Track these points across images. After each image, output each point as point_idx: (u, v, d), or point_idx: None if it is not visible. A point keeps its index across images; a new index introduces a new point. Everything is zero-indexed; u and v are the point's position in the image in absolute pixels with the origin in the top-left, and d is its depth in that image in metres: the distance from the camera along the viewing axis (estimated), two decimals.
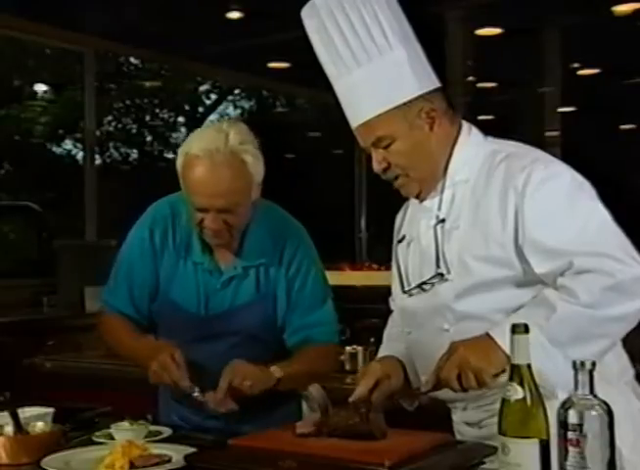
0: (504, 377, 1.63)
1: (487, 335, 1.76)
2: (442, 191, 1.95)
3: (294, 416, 2.33)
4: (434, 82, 1.95)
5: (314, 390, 2.44)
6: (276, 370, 2.14)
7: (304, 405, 2.37)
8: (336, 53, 1.92)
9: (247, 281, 2.26)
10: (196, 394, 2.09)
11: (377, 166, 1.96)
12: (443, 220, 1.93)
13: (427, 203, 1.99)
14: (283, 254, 2.27)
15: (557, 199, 1.82)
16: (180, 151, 2.15)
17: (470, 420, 1.97)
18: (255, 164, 2.15)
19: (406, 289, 2.00)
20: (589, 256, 1.75)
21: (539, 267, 1.81)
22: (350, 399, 1.92)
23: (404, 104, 1.90)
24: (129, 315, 2.34)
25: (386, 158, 1.94)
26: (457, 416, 2.02)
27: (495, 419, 1.53)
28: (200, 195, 2.11)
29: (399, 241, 2.08)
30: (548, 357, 1.68)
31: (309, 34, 1.98)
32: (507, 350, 1.54)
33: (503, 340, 1.67)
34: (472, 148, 1.96)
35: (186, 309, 2.27)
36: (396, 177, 1.97)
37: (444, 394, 1.91)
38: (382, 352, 2.14)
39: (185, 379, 2.08)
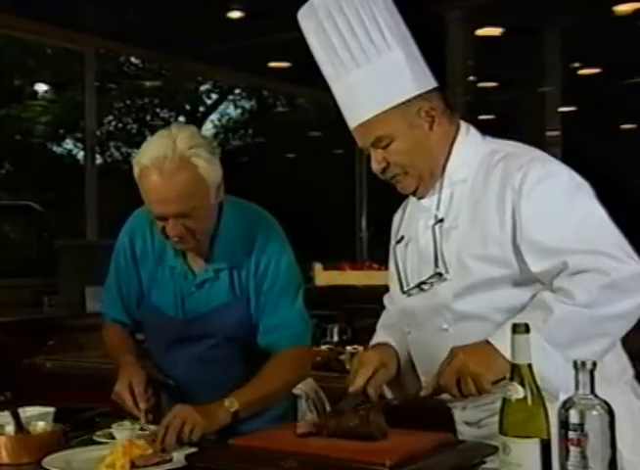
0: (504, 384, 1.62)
1: (487, 341, 1.76)
2: (441, 190, 1.95)
3: (289, 415, 2.33)
4: (431, 82, 1.95)
5: (309, 389, 2.44)
6: (232, 403, 2.07)
7: (300, 405, 2.38)
8: (334, 54, 1.92)
9: (219, 283, 2.26)
10: (142, 424, 2.09)
11: (376, 166, 1.96)
12: (442, 220, 1.93)
13: (425, 202, 1.99)
14: (252, 254, 2.25)
15: (553, 197, 1.82)
16: (134, 161, 2.15)
17: (469, 420, 1.97)
18: (208, 168, 2.12)
19: (405, 289, 2.00)
20: (585, 254, 1.75)
21: (535, 266, 1.81)
22: (350, 391, 1.93)
23: (403, 103, 1.90)
24: (124, 322, 2.43)
25: (385, 157, 1.94)
26: (457, 416, 2.02)
27: (494, 418, 1.53)
28: (154, 203, 2.11)
29: (398, 241, 2.08)
30: (549, 360, 1.68)
31: (306, 35, 1.98)
32: (507, 356, 1.54)
33: (503, 346, 1.66)
34: (470, 147, 1.96)
35: (165, 313, 2.31)
36: (395, 176, 1.97)
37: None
38: (376, 339, 2.13)
39: (134, 409, 2.11)
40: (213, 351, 2.25)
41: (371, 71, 1.89)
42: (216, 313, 2.26)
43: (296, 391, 2.38)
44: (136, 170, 2.13)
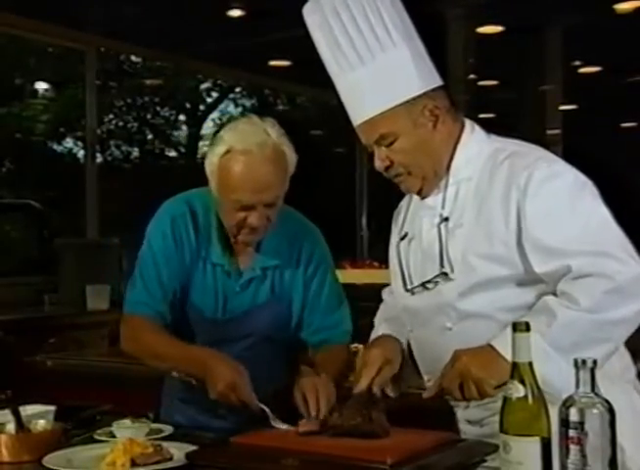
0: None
1: (490, 345, 1.75)
2: (446, 189, 1.95)
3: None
4: (436, 80, 1.95)
5: None
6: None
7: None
8: (339, 50, 1.91)
9: (264, 283, 2.23)
10: (270, 417, 1.98)
11: (379, 164, 1.95)
12: (447, 219, 1.93)
13: (429, 200, 1.98)
14: (300, 255, 2.25)
15: (559, 198, 1.82)
16: (216, 150, 2.08)
17: (472, 418, 1.97)
18: (292, 157, 2.15)
19: (409, 287, 2.00)
20: (589, 256, 1.75)
21: (539, 266, 1.80)
22: (355, 391, 1.93)
23: (407, 101, 1.89)
24: (163, 316, 2.21)
25: (388, 156, 1.93)
26: (459, 414, 2.02)
27: (496, 418, 1.53)
28: (247, 191, 2.06)
29: (402, 238, 2.08)
30: (551, 364, 1.67)
31: (311, 32, 1.97)
32: (510, 359, 1.53)
33: (506, 350, 1.64)
34: (475, 146, 1.95)
35: (202, 312, 2.23)
36: (398, 174, 1.96)
37: None
38: (377, 332, 2.13)
39: (255, 400, 2.00)
40: (250, 351, 2.20)
41: (376, 69, 1.89)
42: (255, 313, 2.23)
43: None
44: (221, 158, 2.07)
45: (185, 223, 2.22)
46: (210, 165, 2.11)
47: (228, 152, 2.07)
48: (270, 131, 2.10)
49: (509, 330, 1.52)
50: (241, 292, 2.23)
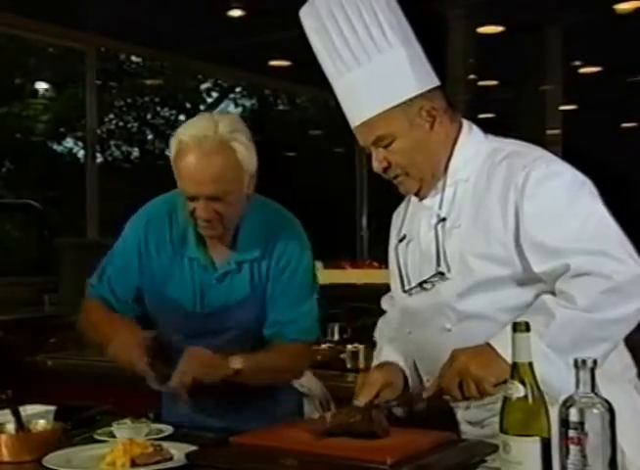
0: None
1: (488, 344, 1.75)
2: (443, 189, 1.95)
3: (296, 414, 2.34)
4: (433, 81, 1.95)
5: (316, 388, 2.45)
6: (236, 361, 2.11)
7: (306, 403, 2.38)
8: (335, 52, 1.91)
9: (240, 276, 2.26)
10: (150, 381, 2.08)
11: (377, 166, 1.95)
12: (444, 219, 1.93)
13: (427, 201, 1.98)
14: (274, 248, 2.26)
15: (557, 197, 1.81)
16: (172, 140, 2.16)
17: (472, 419, 1.97)
18: (246, 154, 2.15)
19: (407, 288, 2.00)
20: (587, 255, 1.74)
21: (538, 266, 1.80)
22: (361, 401, 1.92)
23: (404, 102, 1.89)
24: (111, 303, 2.35)
25: (386, 157, 1.93)
26: (460, 415, 2.01)
27: (497, 418, 1.53)
28: (189, 182, 2.12)
29: (400, 240, 2.08)
30: (550, 364, 1.67)
31: (308, 34, 1.97)
32: (508, 358, 1.54)
33: (505, 349, 1.65)
34: (472, 146, 1.95)
35: (183, 306, 2.28)
36: (396, 176, 1.97)
37: None
38: (382, 356, 2.12)
39: (142, 361, 2.08)
40: (230, 344, 2.22)
41: (372, 70, 1.89)
42: (235, 308, 2.25)
43: (302, 389, 2.39)
44: (174, 148, 2.14)
45: (161, 224, 2.31)
46: (171, 155, 2.18)
47: (178, 143, 2.14)
48: (220, 126, 2.12)
49: (507, 329, 1.52)
50: (217, 285, 2.26)
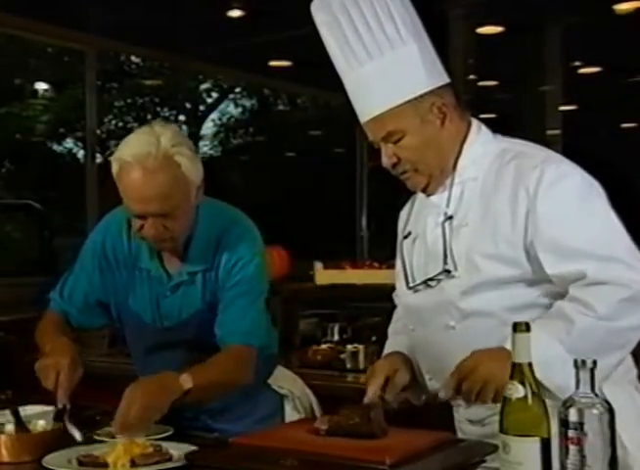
0: None
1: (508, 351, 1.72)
2: (451, 188, 1.95)
3: (276, 416, 2.32)
4: (444, 78, 1.95)
5: (296, 389, 2.45)
6: (186, 380, 2.00)
7: (286, 405, 2.38)
8: (347, 46, 1.91)
9: (193, 287, 2.23)
10: (66, 416, 2.04)
11: (386, 161, 1.95)
12: (451, 217, 1.93)
13: (434, 199, 1.98)
14: (223, 253, 2.21)
15: (569, 199, 1.82)
16: (113, 157, 2.10)
17: (473, 418, 1.97)
18: (191, 167, 2.09)
19: (411, 285, 1.99)
20: (602, 261, 1.75)
21: (551, 268, 1.80)
22: (365, 401, 1.93)
23: (415, 98, 1.89)
24: (71, 314, 2.36)
25: (396, 153, 1.93)
26: (459, 414, 2.02)
27: (497, 417, 1.53)
28: (134, 201, 2.07)
29: (405, 237, 2.07)
30: (570, 371, 1.64)
31: (319, 27, 1.96)
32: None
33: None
34: (481, 146, 1.95)
35: (142, 319, 2.28)
36: (404, 171, 1.96)
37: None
38: (387, 348, 2.14)
39: (64, 392, 2.05)
40: (190, 356, 2.19)
41: (384, 65, 1.89)
42: (192, 321, 2.23)
43: (282, 391, 2.37)
44: (115, 167, 2.08)
45: (119, 236, 2.29)
46: (113, 173, 2.12)
47: (119, 160, 2.08)
48: (163, 140, 2.05)
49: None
50: (170, 295, 2.24)
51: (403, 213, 2.16)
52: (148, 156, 2.02)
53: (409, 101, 1.89)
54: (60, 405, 2.04)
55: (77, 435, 2.00)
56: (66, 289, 2.39)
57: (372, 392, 1.94)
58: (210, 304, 2.22)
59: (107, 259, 2.30)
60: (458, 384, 1.77)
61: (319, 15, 1.96)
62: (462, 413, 2.01)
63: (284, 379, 2.41)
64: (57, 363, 2.07)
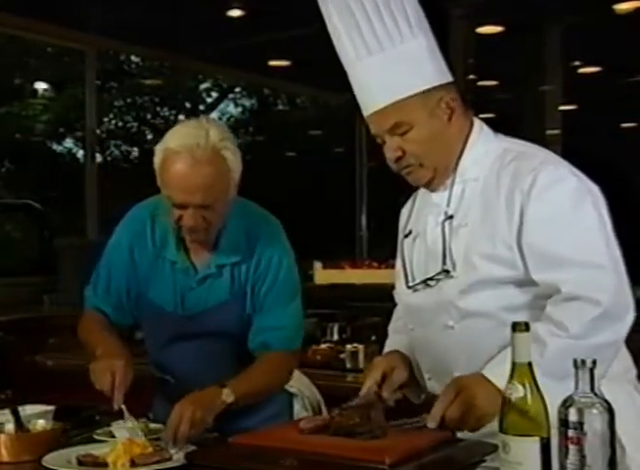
0: None
1: (483, 375, 1.74)
2: (452, 187, 1.94)
3: (284, 414, 2.34)
4: (448, 76, 1.95)
5: (305, 388, 2.45)
6: (228, 394, 2.07)
7: (295, 403, 2.38)
8: (358, 35, 1.89)
9: (221, 280, 2.26)
10: (125, 416, 2.05)
11: (391, 154, 1.93)
12: (452, 217, 1.92)
13: (435, 198, 1.98)
14: (254, 252, 2.25)
15: (561, 203, 1.81)
16: (158, 147, 2.13)
17: None
18: (235, 163, 2.14)
19: (411, 284, 1.99)
20: (580, 268, 1.75)
21: (535, 272, 1.81)
22: (361, 394, 1.93)
23: (424, 92, 1.89)
24: (107, 313, 2.38)
25: (401, 146, 1.91)
26: None
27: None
28: (179, 191, 2.10)
29: (406, 236, 2.07)
30: (550, 393, 1.54)
31: (329, 16, 1.94)
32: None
33: (499, 380, 1.63)
34: (483, 146, 1.95)
35: (164, 309, 2.29)
36: (407, 166, 1.94)
37: None
38: (387, 347, 2.14)
39: (120, 394, 2.06)
40: (212, 347, 2.24)
41: (394, 57, 1.88)
42: (216, 311, 2.25)
43: (291, 389, 2.39)
44: (160, 157, 2.12)
45: (142, 228, 2.31)
46: (155, 163, 2.15)
47: (165, 150, 2.11)
48: (211, 133, 2.10)
49: (503, 354, 1.49)
50: (197, 288, 2.27)
51: (404, 212, 2.15)
52: (197, 147, 2.07)
53: (417, 94, 1.88)
54: (116, 407, 2.06)
55: (140, 435, 1.99)
56: (99, 287, 2.41)
57: (367, 386, 1.94)
58: (237, 296, 2.25)
59: (131, 252, 2.33)
60: (441, 411, 1.76)
61: (330, 3, 1.94)
62: None
63: (293, 378, 2.42)
64: (112, 365, 2.09)
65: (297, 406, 2.40)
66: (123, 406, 2.06)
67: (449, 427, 1.77)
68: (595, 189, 1.86)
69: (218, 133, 2.11)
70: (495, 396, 1.65)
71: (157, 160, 2.14)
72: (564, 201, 1.81)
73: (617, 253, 1.80)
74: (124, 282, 2.35)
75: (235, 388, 2.08)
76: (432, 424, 1.78)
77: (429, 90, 1.89)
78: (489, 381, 1.73)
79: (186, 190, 2.09)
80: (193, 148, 2.07)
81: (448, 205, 1.94)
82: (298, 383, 2.44)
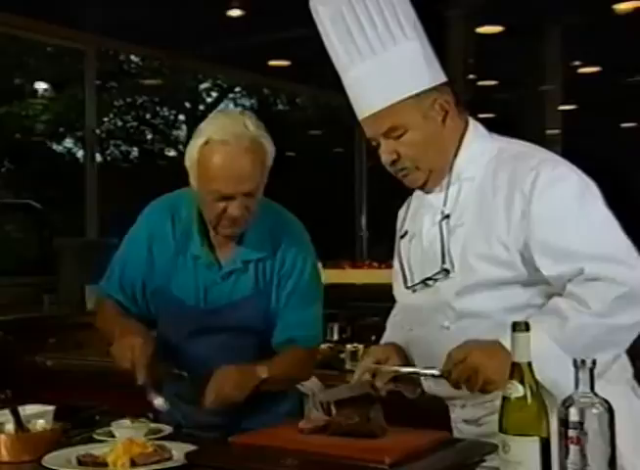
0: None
1: (500, 344, 1.72)
2: (448, 187, 1.94)
3: (295, 413, 2.34)
4: (442, 76, 1.95)
5: (316, 388, 2.45)
6: (262, 370, 2.14)
7: (307, 403, 2.38)
8: (350, 41, 1.89)
9: (246, 275, 2.26)
10: (148, 391, 2.08)
11: (386, 158, 1.93)
12: (448, 216, 1.92)
13: (431, 198, 1.98)
14: (279, 249, 2.27)
15: (565, 201, 1.81)
16: (196, 141, 2.13)
17: (468, 417, 1.97)
18: (270, 149, 2.18)
19: (409, 285, 1.99)
20: (599, 260, 1.75)
21: (548, 270, 1.80)
22: (353, 381, 1.93)
23: (418, 94, 1.88)
24: (120, 301, 2.37)
25: (396, 149, 1.91)
26: (455, 414, 2.01)
27: (494, 416, 1.53)
28: (227, 180, 2.10)
29: (402, 236, 2.07)
30: (564, 368, 1.61)
31: (322, 21, 1.94)
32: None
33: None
34: (478, 145, 1.95)
35: (185, 303, 2.28)
36: (403, 168, 1.94)
37: (444, 391, 1.91)
38: (384, 339, 2.14)
39: (141, 373, 2.07)
40: (233, 342, 2.24)
41: (387, 61, 1.88)
42: (239, 306, 2.25)
43: (303, 389, 2.40)
44: (200, 150, 2.11)
45: (163, 222, 2.30)
46: (190, 158, 2.15)
47: (207, 143, 2.11)
48: (248, 123, 2.13)
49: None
50: (221, 282, 2.26)
51: (401, 212, 2.15)
52: (243, 135, 2.10)
53: (411, 97, 1.88)
54: (140, 382, 2.08)
55: (162, 402, 2.04)
56: (112, 280, 2.39)
57: (359, 374, 1.94)
58: (260, 292, 2.26)
59: (150, 248, 2.32)
60: (448, 374, 1.77)
61: (323, 7, 1.94)
62: (458, 413, 2.00)
63: None
64: (130, 342, 2.11)
65: (307, 406, 2.40)
66: (147, 382, 2.08)
67: (453, 386, 1.77)
68: (592, 184, 1.86)
69: (254, 122, 2.15)
70: (505, 365, 1.63)
71: (195, 155, 2.13)
72: (568, 197, 1.82)
73: (629, 241, 1.81)
74: (140, 277, 2.34)
75: (268, 367, 2.14)
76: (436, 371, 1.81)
77: (423, 92, 1.89)
78: (501, 350, 1.71)
79: (237, 179, 2.09)
80: (238, 137, 2.09)
81: (445, 204, 1.94)
82: (310, 382, 2.44)
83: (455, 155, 1.94)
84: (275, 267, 2.26)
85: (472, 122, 1.98)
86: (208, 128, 2.13)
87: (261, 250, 2.25)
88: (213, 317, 2.26)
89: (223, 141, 2.09)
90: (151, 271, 2.32)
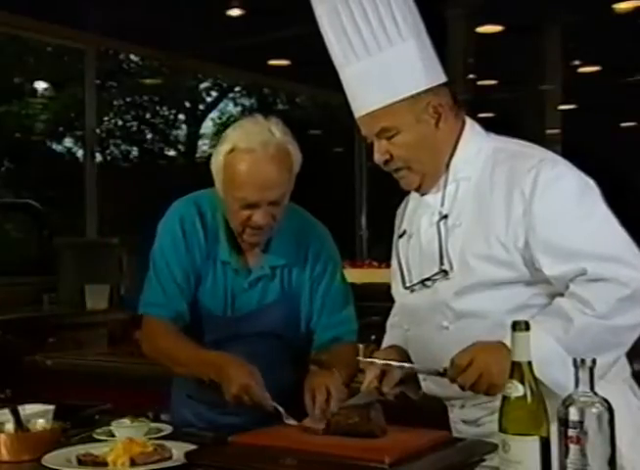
0: None
1: (506, 347, 1.69)
2: (445, 187, 1.94)
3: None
4: (441, 77, 1.94)
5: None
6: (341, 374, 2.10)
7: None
8: (346, 40, 1.90)
9: (273, 281, 2.24)
10: (283, 415, 1.98)
11: (378, 157, 1.94)
12: (446, 216, 1.92)
13: (428, 199, 1.98)
14: (307, 254, 2.26)
15: (566, 200, 1.81)
16: (221, 149, 2.10)
17: (467, 418, 1.96)
18: (297, 156, 2.16)
19: (408, 285, 1.99)
20: (602, 261, 1.75)
21: (551, 269, 1.79)
22: (362, 388, 1.93)
23: (412, 97, 1.88)
24: (173, 318, 2.22)
25: (388, 149, 1.92)
26: (454, 414, 2.01)
27: (493, 417, 1.53)
28: (253, 189, 2.07)
29: (400, 236, 2.07)
30: (567, 369, 1.60)
31: (319, 19, 1.94)
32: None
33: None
34: (475, 145, 1.95)
35: (212, 310, 2.24)
36: (397, 169, 1.95)
37: (443, 391, 1.92)
38: (385, 341, 2.14)
39: (268, 399, 2.00)
40: (261, 348, 2.19)
41: (382, 61, 1.88)
42: (266, 312, 2.23)
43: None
44: (225, 158, 2.09)
45: (193, 223, 2.24)
46: (216, 164, 2.13)
47: (232, 150, 2.09)
48: (274, 130, 2.11)
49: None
50: (249, 289, 2.23)
51: (399, 211, 2.15)
52: (269, 143, 2.08)
53: (405, 99, 1.88)
54: (271, 409, 1.99)
55: (293, 421, 1.96)
56: (158, 293, 2.23)
57: (368, 382, 1.94)
58: (287, 297, 2.25)
59: (187, 247, 2.23)
60: (455, 377, 1.77)
61: (320, 6, 1.95)
62: (456, 413, 2.00)
63: None
64: (248, 369, 2.02)
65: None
66: (275, 406, 1.99)
67: (462, 389, 1.77)
68: (591, 182, 1.86)
69: (280, 129, 2.12)
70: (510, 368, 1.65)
71: (221, 163, 2.10)
72: (569, 196, 1.81)
73: (630, 240, 1.81)
74: (185, 277, 2.22)
75: (339, 368, 2.10)
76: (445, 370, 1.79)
77: (417, 94, 1.89)
78: (507, 354, 1.70)
79: (262, 187, 2.07)
80: (264, 145, 2.07)
81: (442, 204, 1.93)
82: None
83: (451, 155, 1.94)
84: (305, 272, 2.25)
85: (468, 122, 1.98)
86: (234, 135, 2.11)
87: (288, 255, 2.24)
88: (240, 324, 2.23)
89: (249, 149, 2.07)
90: (192, 271, 2.23)
